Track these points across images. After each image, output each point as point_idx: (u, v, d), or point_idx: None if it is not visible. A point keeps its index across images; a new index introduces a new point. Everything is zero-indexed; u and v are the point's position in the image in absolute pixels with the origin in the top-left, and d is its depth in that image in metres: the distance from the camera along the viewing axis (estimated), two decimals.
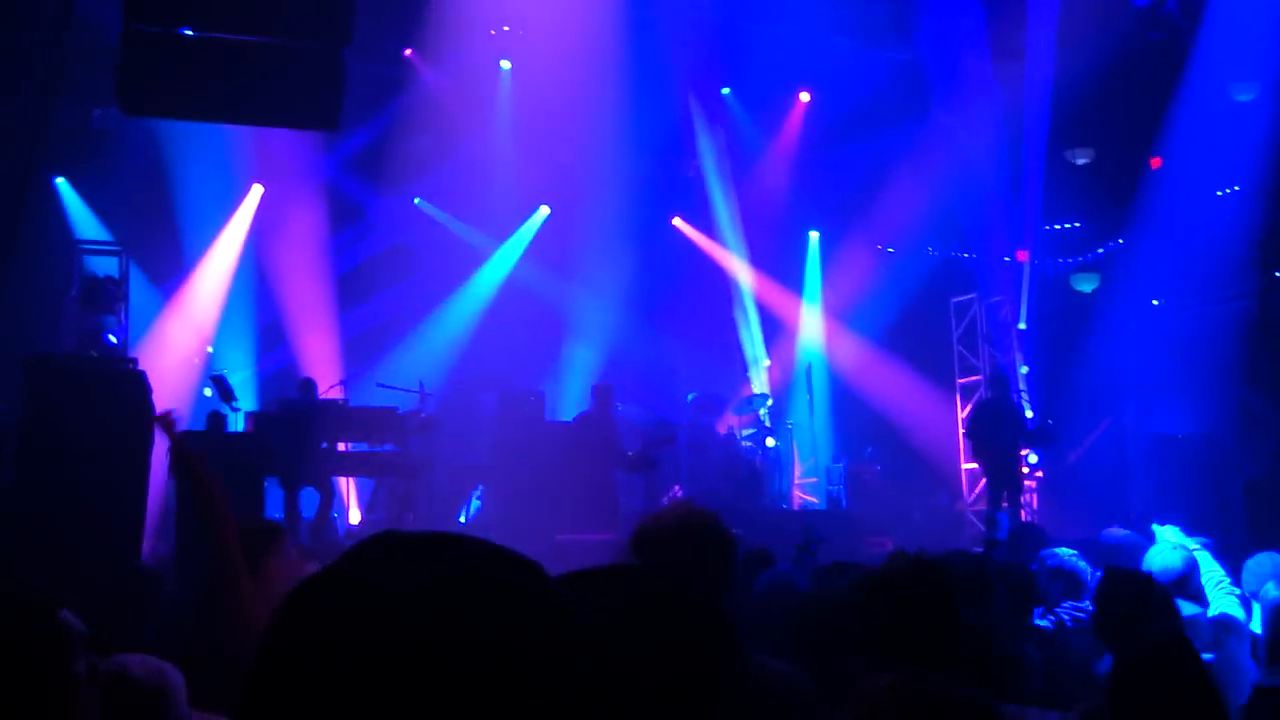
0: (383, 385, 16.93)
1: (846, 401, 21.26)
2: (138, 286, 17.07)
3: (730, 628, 2.09)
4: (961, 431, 19.49)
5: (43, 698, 2.96)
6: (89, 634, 3.60)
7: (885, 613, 3.78)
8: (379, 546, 1.43)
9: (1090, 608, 6.26)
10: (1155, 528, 8.08)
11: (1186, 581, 6.67)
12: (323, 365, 18.04)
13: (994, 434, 16.30)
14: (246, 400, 16.53)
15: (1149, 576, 5.72)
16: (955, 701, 2.60)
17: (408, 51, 18.96)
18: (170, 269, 18.49)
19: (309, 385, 15.66)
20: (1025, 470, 17.83)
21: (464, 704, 1.27)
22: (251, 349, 19.05)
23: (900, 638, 3.67)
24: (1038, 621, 6.64)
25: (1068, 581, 6.97)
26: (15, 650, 2.92)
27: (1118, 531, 8.96)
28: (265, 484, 13.23)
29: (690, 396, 19.26)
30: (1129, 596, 5.32)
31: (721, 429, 19.04)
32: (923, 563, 3.99)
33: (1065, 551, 7.25)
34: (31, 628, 2.97)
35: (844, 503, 18.95)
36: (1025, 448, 17.47)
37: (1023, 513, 17.14)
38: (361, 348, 19.11)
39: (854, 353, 21.28)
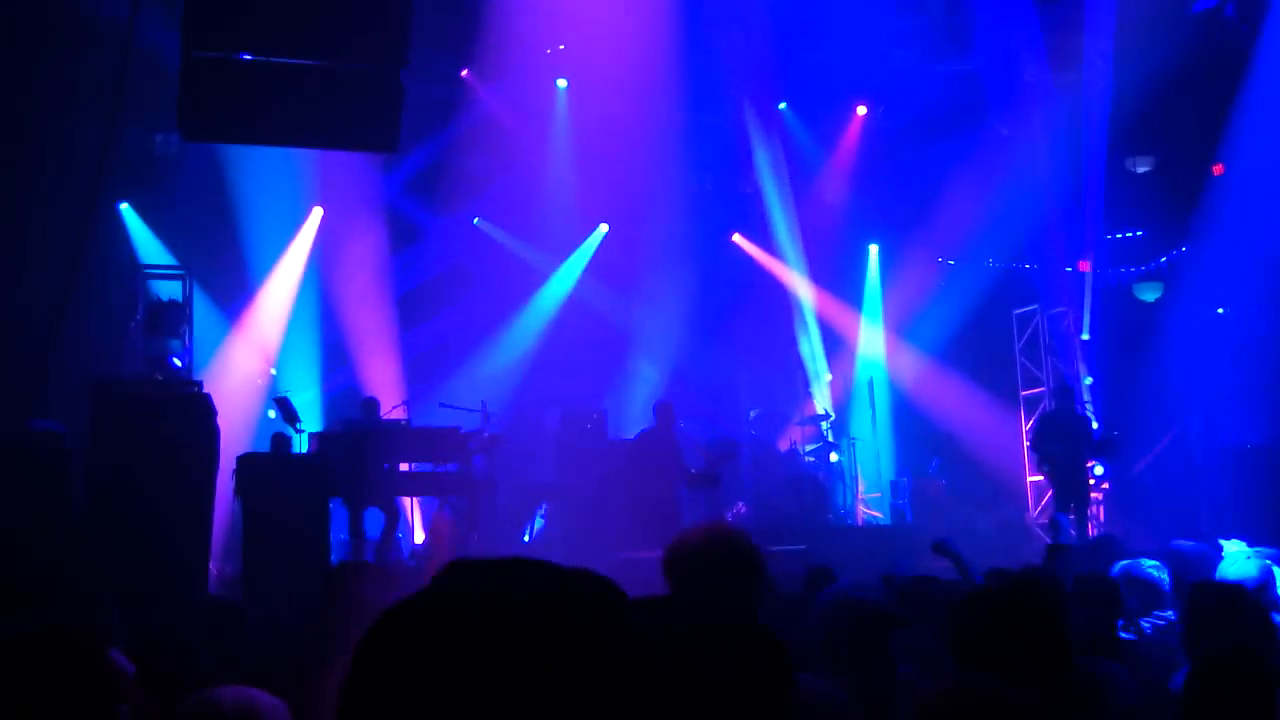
0: (445, 405, 17.00)
1: (909, 415, 21.17)
2: (202, 310, 17.23)
3: (783, 654, 2.08)
4: (1026, 444, 19.37)
5: None
6: (161, 671, 3.62)
7: (983, 628, 3.75)
8: (454, 576, 1.44)
9: (1172, 617, 6.20)
10: (1222, 543, 7.97)
11: (1262, 591, 6.59)
12: (386, 386, 18.12)
13: (1059, 446, 16.20)
14: (311, 421, 16.64)
15: (1240, 587, 5.65)
16: (1010, 707, 2.60)
17: (464, 72, 19.05)
18: (234, 292, 18.61)
19: (371, 405, 15.75)
20: (1091, 482, 17.67)
21: None
22: (315, 370, 19.14)
23: (996, 654, 3.64)
24: (1121, 634, 6.55)
25: (1145, 592, 6.88)
26: (59, 690, 2.92)
27: (1185, 542, 8.86)
28: (330, 505, 13.26)
29: (752, 413, 19.27)
30: (1218, 607, 5.25)
31: (784, 445, 19.02)
32: (1024, 580, 3.97)
33: (1148, 563, 7.13)
34: (76, 668, 2.97)
35: (909, 517, 18.87)
36: (1091, 459, 17.34)
37: (1090, 525, 17.00)
38: (424, 368, 19.18)
39: (916, 366, 21.19)
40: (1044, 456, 16.67)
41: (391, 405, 16.26)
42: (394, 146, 12.09)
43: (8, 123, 15.43)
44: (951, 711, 2.63)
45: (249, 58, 11.21)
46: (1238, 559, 7.04)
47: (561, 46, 19.00)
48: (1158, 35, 17.87)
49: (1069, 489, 16.22)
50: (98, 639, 3.02)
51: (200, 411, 11.29)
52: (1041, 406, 19.56)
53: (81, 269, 13.03)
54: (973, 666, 3.66)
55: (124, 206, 17.96)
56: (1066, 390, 17.42)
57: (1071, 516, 16.05)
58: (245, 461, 11.95)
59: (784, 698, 2.05)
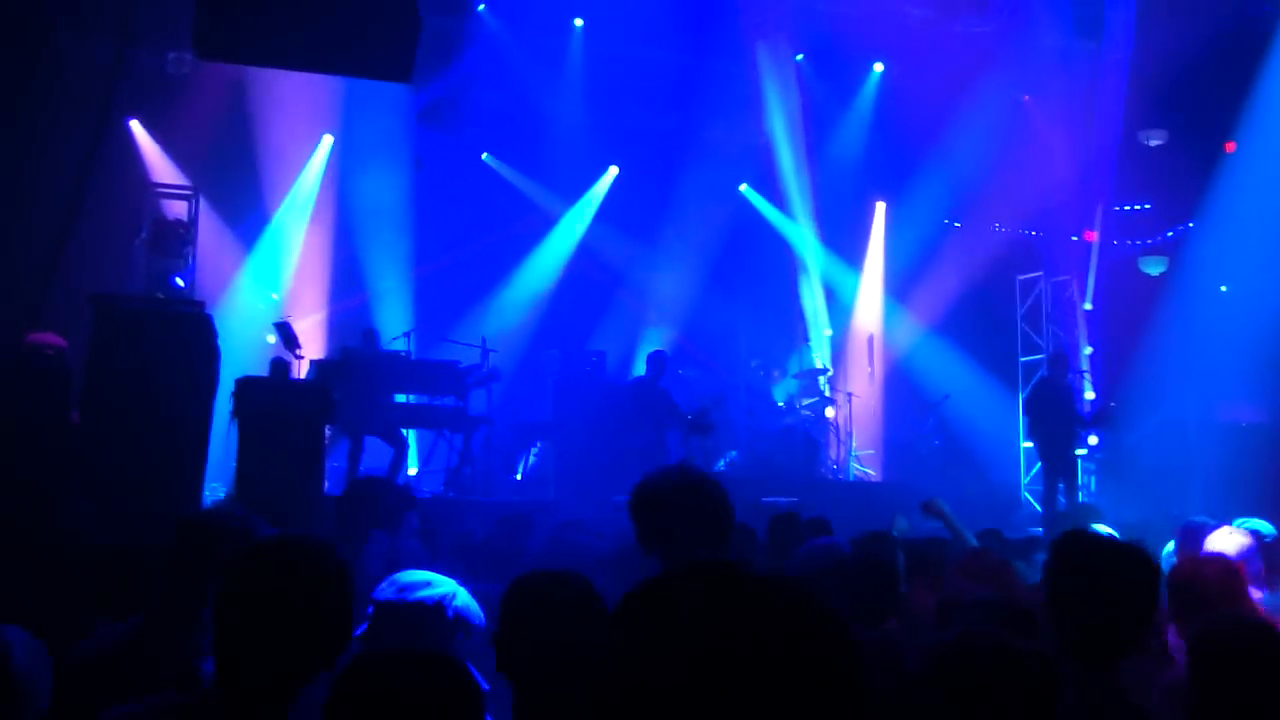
0: (448, 340, 17.04)
1: (907, 374, 21.16)
2: (214, 230, 17.24)
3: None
4: (1021, 410, 19.42)
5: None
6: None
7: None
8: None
9: None
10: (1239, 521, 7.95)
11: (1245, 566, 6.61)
12: (393, 315, 18.10)
13: (1050, 413, 16.22)
14: (315, 347, 16.65)
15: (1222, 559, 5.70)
16: (1019, 653, 2.64)
17: (480, 7, 18.92)
18: (247, 213, 18.57)
19: (371, 335, 15.77)
20: (1083, 452, 17.72)
21: None
22: (324, 296, 19.07)
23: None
24: None
25: None
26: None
27: (1202, 519, 8.90)
28: (327, 432, 13.27)
29: (753, 363, 19.31)
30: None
31: (781, 397, 19.06)
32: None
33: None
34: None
35: (900, 476, 18.93)
36: (1085, 429, 17.39)
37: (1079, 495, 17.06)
38: (431, 300, 19.16)
39: (917, 326, 21.19)
40: (1035, 423, 16.67)
41: (393, 336, 16.24)
42: (409, 77, 12.04)
43: (19, 36, 15.33)
44: (962, 658, 2.68)
45: None
46: (1222, 534, 7.06)
47: None
48: (1182, 8, 17.80)
49: (1057, 457, 16.24)
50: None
51: (201, 332, 11.27)
52: (1039, 373, 19.64)
53: (89, 185, 13.01)
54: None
55: (134, 123, 17.91)
56: (1062, 358, 17.43)
57: (1062, 485, 16.09)
58: (244, 385, 11.95)
59: None
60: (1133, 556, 3.71)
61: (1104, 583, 3.58)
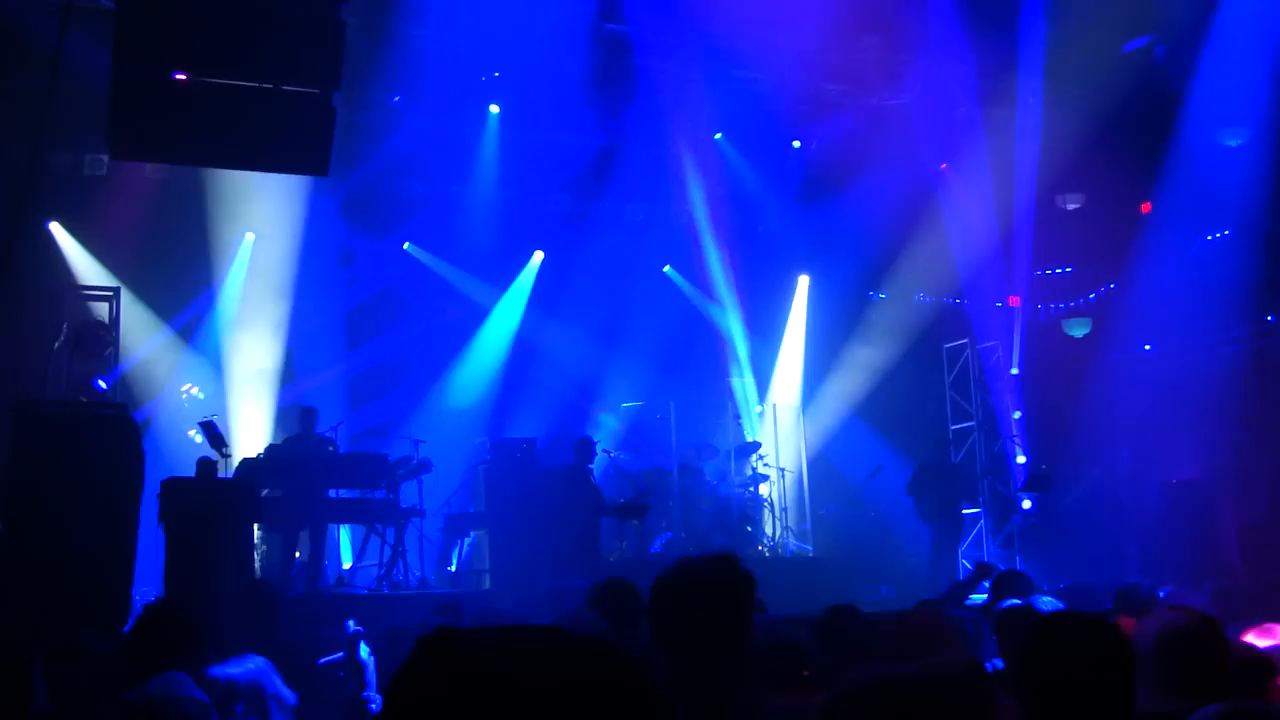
0: (377, 432, 16.91)
1: (839, 447, 21.13)
2: (145, 329, 17.11)
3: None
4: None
5: None
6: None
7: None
8: None
9: None
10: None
11: None
12: (328, 406, 17.93)
13: (931, 494, 16.73)
14: (259, 438, 16.49)
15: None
16: (936, 686, 2.55)
17: (396, 98, 18.87)
18: (176, 310, 18.37)
19: (310, 414, 15.60)
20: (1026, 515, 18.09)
21: None
22: (258, 391, 18.83)
23: None
24: None
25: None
26: None
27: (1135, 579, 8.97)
28: (254, 530, 13.11)
29: (684, 443, 19.22)
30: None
31: (714, 476, 19.02)
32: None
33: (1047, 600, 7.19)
34: None
35: (837, 550, 18.90)
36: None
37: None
38: (358, 392, 19.02)
39: (846, 398, 21.19)
40: (916, 503, 17.18)
41: (328, 426, 16.07)
42: (325, 170, 12.02)
43: None
44: (876, 697, 2.56)
45: (181, 77, 11.14)
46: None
47: (496, 74, 18.88)
48: (1089, 73, 18.04)
49: (946, 533, 16.84)
50: None
51: (125, 434, 11.13)
52: (970, 440, 19.79)
53: (6, 290, 12.85)
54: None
55: (54, 225, 17.72)
56: (944, 443, 18.06)
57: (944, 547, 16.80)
58: (169, 486, 11.80)
59: None
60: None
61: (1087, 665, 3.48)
